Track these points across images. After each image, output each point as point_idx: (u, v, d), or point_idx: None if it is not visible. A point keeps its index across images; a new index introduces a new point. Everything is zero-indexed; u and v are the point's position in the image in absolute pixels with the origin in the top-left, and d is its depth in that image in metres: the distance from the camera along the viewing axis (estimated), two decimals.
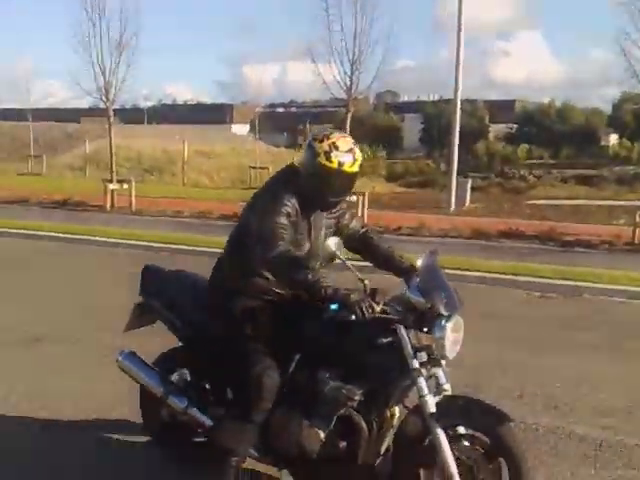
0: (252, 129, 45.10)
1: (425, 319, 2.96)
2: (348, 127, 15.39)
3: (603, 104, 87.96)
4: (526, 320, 7.00)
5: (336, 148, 3.14)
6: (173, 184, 27.52)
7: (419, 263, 3.09)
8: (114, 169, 18.10)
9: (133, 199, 17.04)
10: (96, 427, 4.21)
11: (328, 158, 3.12)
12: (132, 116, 48.84)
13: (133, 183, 17.54)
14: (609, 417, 4.39)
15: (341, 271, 3.16)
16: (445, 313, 2.94)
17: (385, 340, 3.02)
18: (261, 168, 25.08)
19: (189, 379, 3.66)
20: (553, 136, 57.98)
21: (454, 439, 2.95)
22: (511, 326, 6.67)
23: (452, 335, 2.94)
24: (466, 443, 2.97)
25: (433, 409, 2.94)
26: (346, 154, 3.14)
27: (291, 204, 3.17)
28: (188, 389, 3.61)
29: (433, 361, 2.99)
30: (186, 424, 3.58)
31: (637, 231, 11.79)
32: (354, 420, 3.04)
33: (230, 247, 3.43)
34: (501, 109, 63.27)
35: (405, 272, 3.27)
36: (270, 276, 3.23)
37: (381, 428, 3.09)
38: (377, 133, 51.19)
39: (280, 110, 73.91)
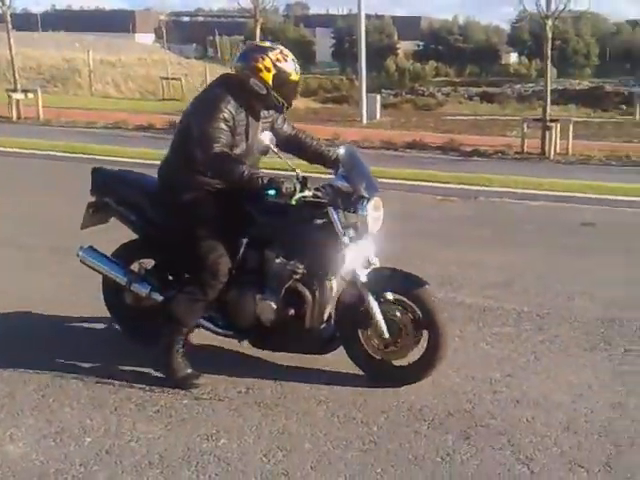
0: (158, 39, 43.49)
1: (350, 201, 3.49)
2: (258, 38, 15.27)
3: (503, 23, 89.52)
4: (430, 220, 7.75)
5: (295, 62, 3.63)
6: (80, 95, 26.67)
7: (341, 152, 3.67)
8: (16, 78, 17.27)
9: (40, 109, 16.54)
10: (62, 317, 4.56)
11: (297, 73, 3.62)
12: (23, 22, 45.63)
13: (39, 93, 17.02)
14: (492, 290, 5.27)
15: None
16: (366, 195, 3.49)
17: (319, 221, 3.54)
18: (173, 79, 24.65)
19: (148, 268, 4.03)
20: (457, 54, 58.89)
21: (383, 303, 3.56)
22: (418, 224, 7.40)
23: (374, 213, 3.50)
24: (393, 305, 3.58)
25: (364, 279, 3.52)
26: (297, 65, 3.65)
27: (227, 110, 3.50)
28: (148, 276, 3.98)
29: (360, 236, 3.53)
30: (147, 309, 3.96)
31: (525, 141, 12.92)
32: (299, 290, 3.56)
33: (173, 149, 3.79)
34: (408, 26, 63.45)
35: (334, 163, 3.79)
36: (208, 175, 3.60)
37: (322, 298, 3.61)
38: (289, 47, 50.43)
39: (186, 19, 71.19)
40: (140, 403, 3.51)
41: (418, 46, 64.46)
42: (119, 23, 58.54)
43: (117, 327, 4.22)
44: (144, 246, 4.02)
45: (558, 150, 12.62)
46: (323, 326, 3.73)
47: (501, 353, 4.12)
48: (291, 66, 3.59)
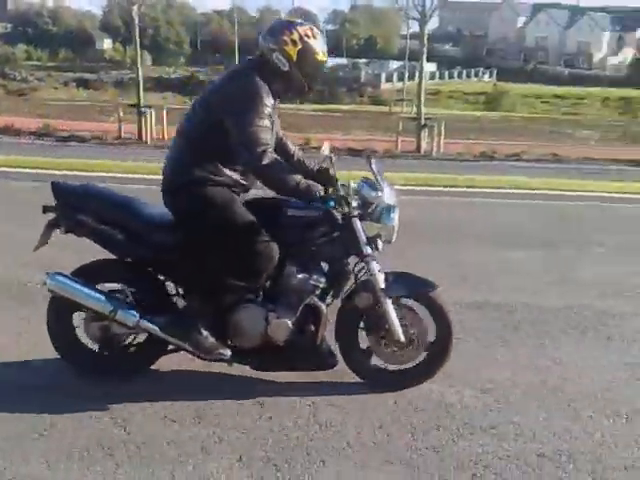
0: None
1: (374, 210, 3.34)
2: None
3: (95, 8, 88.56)
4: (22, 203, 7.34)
5: (325, 43, 3.36)
6: None
7: (372, 163, 3.40)
8: None
9: None
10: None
11: (324, 55, 3.34)
12: None
13: None
14: None
15: None
16: (393, 204, 3.36)
17: (341, 232, 3.34)
18: None
19: (128, 291, 3.49)
20: (49, 38, 56.54)
21: (397, 308, 3.44)
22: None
23: (397, 222, 3.38)
24: (404, 309, 3.48)
25: (383, 284, 3.37)
26: (326, 47, 3.37)
27: (270, 103, 3.20)
28: (136, 302, 3.46)
29: (379, 247, 3.40)
30: (111, 338, 3.48)
31: (122, 127, 13.12)
32: (317, 305, 3.35)
33: (190, 145, 3.29)
34: None
35: (312, 173, 3.49)
36: (236, 171, 3.28)
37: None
38: None
39: None
40: None
41: (5, 28, 60.03)
42: None
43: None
44: (124, 268, 3.51)
45: (155, 135, 13.12)
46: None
47: None
48: (320, 45, 3.30)
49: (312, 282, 3.34)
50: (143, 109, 12.86)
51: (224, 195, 3.29)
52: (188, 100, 38.96)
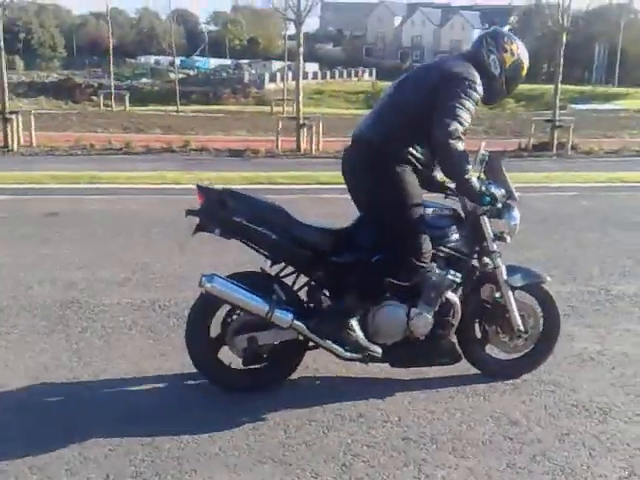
0: None
1: (499, 208, 3.45)
2: None
3: None
4: None
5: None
6: None
7: (487, 157, 3.54)
8: None
9: None
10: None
11: (526, 71, 3.57)
12: None
13: None
14: None
15: None
16: (515, 201, 3.51)
17: (468, 229, 3.49)
18: None
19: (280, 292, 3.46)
20: None
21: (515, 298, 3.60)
22: None
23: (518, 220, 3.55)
24: (520, 299, 3.63)
25: (506, 277, 3.52)
26: None
27: (480, 92, 3.32)
28: (289, 301, 3.45)
29: (502, 243, 3.56)
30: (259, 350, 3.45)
31: None
32: (452, 300, 3.44)
33: (396, 117, 3.36)
34: None
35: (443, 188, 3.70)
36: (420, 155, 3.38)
37: None
38: None
39: None
40: None
41: None
42: None
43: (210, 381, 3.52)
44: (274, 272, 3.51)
45: (22, 142, 12.54)
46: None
47: None
48: (527, 63, 3.56)
49: (450, 277, 3.44)
50: (8, 115, 12.26)
51: (413, 184, 3.38)
52: (64, 104, 37.63)
